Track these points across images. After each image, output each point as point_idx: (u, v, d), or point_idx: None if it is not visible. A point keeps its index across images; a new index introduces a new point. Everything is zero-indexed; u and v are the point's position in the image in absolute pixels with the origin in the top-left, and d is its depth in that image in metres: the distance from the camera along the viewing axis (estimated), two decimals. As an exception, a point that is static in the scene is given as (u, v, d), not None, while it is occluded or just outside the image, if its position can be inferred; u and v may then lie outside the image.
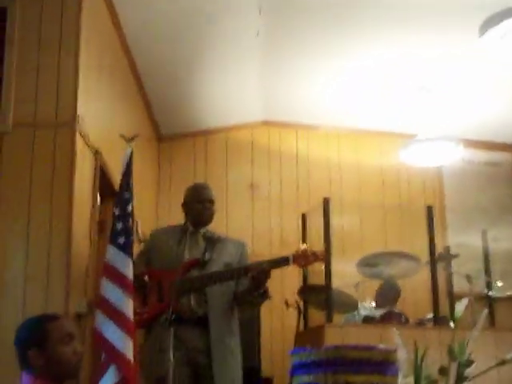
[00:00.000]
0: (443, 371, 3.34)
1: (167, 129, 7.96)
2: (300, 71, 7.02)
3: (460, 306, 3.57)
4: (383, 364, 2.45)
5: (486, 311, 3.75)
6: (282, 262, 4.29)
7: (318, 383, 2.39)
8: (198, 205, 4.55)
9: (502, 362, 3.45)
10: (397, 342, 3.50)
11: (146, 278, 4.38)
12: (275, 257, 4.38)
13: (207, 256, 4.39)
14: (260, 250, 5.15)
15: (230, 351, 4.33)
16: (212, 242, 4.49)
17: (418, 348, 3.48)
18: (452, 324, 3.64)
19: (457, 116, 7.78)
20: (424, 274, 6.17)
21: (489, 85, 7.13)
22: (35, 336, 2.81)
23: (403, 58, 6.64)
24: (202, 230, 4.56)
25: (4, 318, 4.03)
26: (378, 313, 6.23)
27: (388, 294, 6.61)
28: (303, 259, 4.26)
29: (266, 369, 6.55)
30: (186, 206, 4.64)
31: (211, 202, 4.60)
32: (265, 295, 4.36)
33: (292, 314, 6.78)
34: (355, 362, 2.39)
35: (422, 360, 3.40)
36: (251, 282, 4.29)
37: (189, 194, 4.66)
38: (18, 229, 4.20)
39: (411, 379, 3.42)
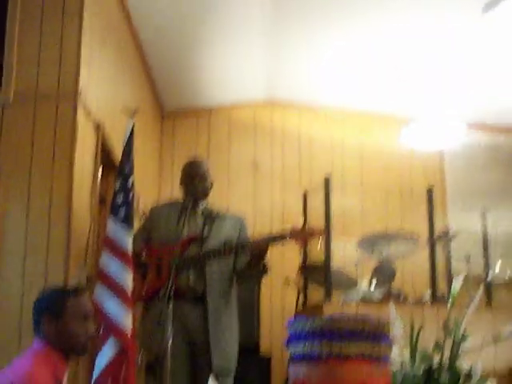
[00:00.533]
0: (438, 346, 3.38)
1: (170, 105, 7.95)
2: (304, 51, 7.00)
3: (456, 283, 3.60)
4: (377, 334, 2.47)
5: (481, 288, 3.77)
6: (279, 237, 4.30)
7: (313, 352, 2.41)
8: (190, 181, 4.56)
9: (498, 338, 3.48)
10: (393, 316, 3.53)
11: (144, 255, 4.38)
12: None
13: (206, 232, 4.40)
14: (261, 228, 5.16)
15: (227, 328, 4.33)
16: (211, 217, 4.49)
17: (414, 324, 3.51)
18: (448, 300, 3.67)
19: (459, 99, 7.77)
20: (423, 255, 6.18)
21: (491, 67, 7.11)
22: (53, 307, 2.85)
23: (408, 39, 6.62)
24: (201, 206, 4.55)
25: (4, 289, 4.05)
26: (377, 294, 6.24)
27: (384, 274, 6.63)
28: (300, 235, 4.27)
29: (264, 347, 6.57)
30: (181, 182, 4.66)
31: (203, 176, 4.58)
32: (264, 270, 4.37)
33: (292, 292, 6.82)
34: (349, 333, 2.41)
35: (417, 335, 3.44)
36: (250, 258, 4.31)
37: (182, 171, 4.67)
38: (19, 201, 4.20)
39: (407, 353, 3.46)
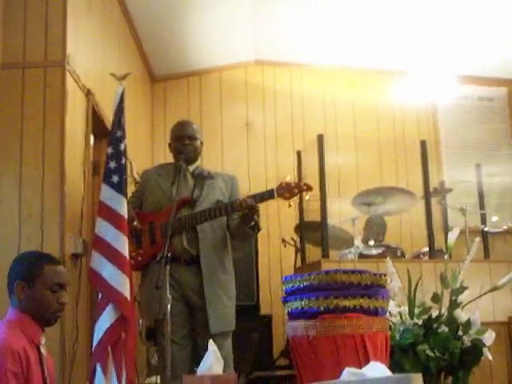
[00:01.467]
0: (436, 298, 3.39)
1: (160, 70, 7.90)
2: (292, 8, 6.94)
3: (452, 235, 3.61)
4: (373, 287, 2.47)
5: (478, 239, 3.78)
6: (266, 195, 4.29)
7: (310, 308, 2.42)
8: (177, 142, 4.53)
9: (494, 288, 3.49)
10: (390, 270, 3.54)
11: (136, 222, 4.36)
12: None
13: (196, 193, 4.39)
14: (256, 188, 5.14)
15: (223, 288, 4.34)
16: (201, 179, 4.48)
17: (412, 277, 3.53)
18: (446, 254, 3.68)
19: (451, 51, 7.72)
20: (419, 209, 6.20)
21: (484, 19, 7.06)
22: (27, 272, 2.85)
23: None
24: (192, 168, 4.54)
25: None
26: (375, 250, 6.26)
27: (375, 228, 6.66)
28: (287, 191, 4.25)
29: (264, 306, 6.62)
30: (170, 144, 4.64)
31: (190, 137, 4.53)
32: (255, 227, 4.36)
33: (289, 251, 6.85)
34: (346, 286, 2.42)
35: (415, 288, 3.45)
36: (240, 217, 4.31)
37: (170, 133, 4.65)
38: (11, 170, 4.17)
39: (405, 308, 3.47)
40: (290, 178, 4.34)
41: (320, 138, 5.95)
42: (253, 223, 4.29)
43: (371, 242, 6.51)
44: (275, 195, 4.26)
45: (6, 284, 2.90)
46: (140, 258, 4.35)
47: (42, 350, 2.86)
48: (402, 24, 7.13)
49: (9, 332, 2.71)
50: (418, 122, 8.25)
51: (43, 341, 2.88)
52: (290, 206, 4.45)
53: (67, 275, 3.01)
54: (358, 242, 6.39)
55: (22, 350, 2.67)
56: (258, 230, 4.42)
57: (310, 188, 4.34)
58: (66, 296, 2.93)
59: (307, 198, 5.49)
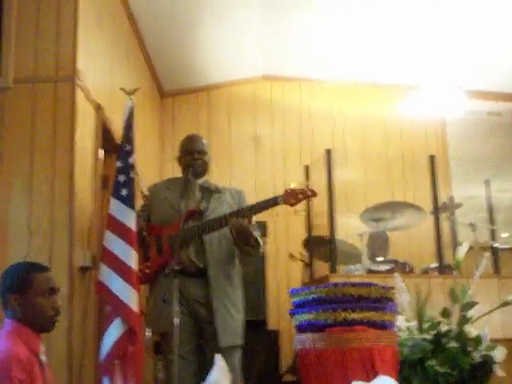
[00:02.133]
0: (446, 313, 3.38)
1: (169, 85, 7.94)
2: (299, 24, 6.98)
3: (461, 250, 3.61)
4: (382, 301, 2.47)
5: (487, 255, 3.78)
6: (271, 202, 4.29)
7: (317, 321, 2.42)
8: (187, 156, 4.52)
9: (505, 304, 3.48)
10: (399, 285, 3.54)
11: (145, 233, 4.37)
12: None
13: (202, 206, 4.39)
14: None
15: (231, 301, 4.29)
16: (209, 192, 4.47)
17: (421, 292, 3.52)
18: (455, 268, 3.67)
19: (460, 66, 7.72)
20: (428, 224, 6.18)
21: (494, 34, 7.06)
22: (18, 283, 2.88)
23: (407, 6, 6.57)
24: (200, 182, 4.55)
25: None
26: (383, 266, 6.24)
27: (378, 244, 6.64)
28: (292, 197, 4.22)
29: (271, 321, 6.61)
30: (179, 159, 4.64)
31: (200, 152, 4.53)
32: (257, 246, 4.31)
33: (297, 266, 6.84)
34: (354, 299, 2.41)
35: (424, 303, 3.45)
36: (235, 242, 4.29)
37: (180, 147, 4.65)
38: (21, 184, 4.20)
39: (414, 323, 3.46)
40: (296, 185, 4.31)
41: (328, 153, 5.96)
42: (250, 244, 4.26)
43: (379, 258, 6.49)
44: (279, 201, 4.25)
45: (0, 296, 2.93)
46: (148, 271, 4.34)
47: (42, 357, 2.88)
48: (410, 39, 7.14)
49: (11, 341, 2.74)
50: (426, 136, 8.24)
51: (42, 348, 2.90)
52: (295, 212, 4.42)
53: (55, 278, 3.03)
54: (365, 257, 6.37)
55: (26, 358, 2.71)
56: (259, 247, 4.38)
57: (314, 193, 4.30)
58: (59, 300, 2.95)
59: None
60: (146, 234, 4.35)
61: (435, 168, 6.00)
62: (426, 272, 6.29)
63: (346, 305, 2.42)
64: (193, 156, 4.50)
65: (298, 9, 6.63)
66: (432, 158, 6.06)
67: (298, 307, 2.55)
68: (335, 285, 2.49)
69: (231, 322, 4.24)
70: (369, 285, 2.49)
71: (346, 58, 7.66)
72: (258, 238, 4.32)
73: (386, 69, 7.85)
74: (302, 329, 2.52)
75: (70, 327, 4.03)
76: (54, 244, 4.10)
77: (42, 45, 4.44)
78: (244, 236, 4.21)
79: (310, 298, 2.48)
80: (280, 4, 6.57)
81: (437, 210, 5.98)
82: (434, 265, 6.12)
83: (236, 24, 6.85)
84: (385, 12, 6.67)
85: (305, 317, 2.48)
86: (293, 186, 4.30)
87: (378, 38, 7.16)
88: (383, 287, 2.53)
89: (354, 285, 2.47)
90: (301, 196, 4.25)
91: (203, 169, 4.54)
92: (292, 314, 2.61)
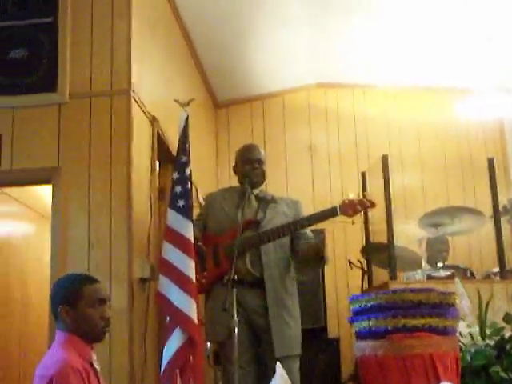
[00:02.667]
0: (508, 318, 3.31)
1: (223, 95, 7.99)
2: (352, 30, 6.93)
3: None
4: (442, 306, 2.43)
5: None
6: (329, 213, 4.27)
7: (377, 328, 2.39)
8: (246, 165, 4.53)
9: None
10: (460, 291, 3.48)
11: (201, 243, 4.39)
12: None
13: (259, 216, 4.39)
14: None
15: (288, 311, 4.29)
16: (265, 202, 4.47)
17: (482, 297, 3.46)
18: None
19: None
20: (488, 228, 6.07)
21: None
22: (69, 295, 2.92)
23: (456, 10, 6.49)
24: (256, 191, 4.54)
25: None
26: (444, 271, 6.15)
27: (437, 248, 6.55)
28: (350, 208, 4.21)
29: (332, 329, 6.57)
30: (236, 168, 4.64)
31: (259, 161, 4.55)
32: (322, 261, 4.29)
33: (356, 273, 6.78)
34: (414, 305, 2.38)
35: (486, 308, 3.38)
36: (308, 251, 4.29)
37: (237, 156, 4.66)
38: (79, 197, 4.27)
39: (476, 328, 3.40)
40: (354, 195, 4.29)
41: (384, 159, 5.89)
42: (320, 256, 4.25)
43: (439, 264, 6.40)
44: (338, 213, 4.23)
45: (51, 308, 2.99)
46: (204, 281, 4.35)
47: (96, 365, 2.93)
48: (464, 40, 7.05)
49: (66, 352, 2.79)
50: (484, 139, 8.11)
51: (95, 357, 2.95)
52: (353, 223, 4.39)
53: (106, 289, 3.08)
54: (424, 263, 6.29)
55: (82, 367, 2.76)
56: (324, 263, 4.35)
57: (373, 204, 4.29)
58: (109, 311, 2.99)
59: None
60: (202, 244, 4.37)
61: (494, 171, 5.89)
62: (487, 277, 6.17)
63: (405, 311, 2.39)
64: (252, 165, 4.51)
65: (349, 13, 6.60)
66: (491, 161, 5.95)
67: (358, 314, 2.53)
68: (394, 291, 2.46)
69: (288, 331, 4.23)
70: (428, 290, 2.45)
71: (399, 63, 7.59)
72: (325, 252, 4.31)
73: (440, 72, 7.75)
74: (361, 336, 2.49)
75: (131, 338, 4.07)
76: (113, 256, 4.16)
77: (97, 59, 4.52)
78: (317, 252, 4.22)
79: (370, 305, 2.46)
80: (331, 9, 6.55)
81: (497, 214, 5.86)
82: (496, 269, 6.01)
83: (287, 32, 6.85)
84: (438, 15, 6.59)
85: (364, 324, 2.45)
86: (351, 196, 4.27)
87: (431, 40, 7.08)
88: (443, 292, 2.48)
89: (412, 290, 2.44)
90: (359, 207, 4.23)
91: (261, 178, 4.56)
92: (351, 321, 2.58)
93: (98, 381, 2.90)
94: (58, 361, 2.71)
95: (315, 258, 4.29)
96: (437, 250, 6.50)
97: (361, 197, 4.32)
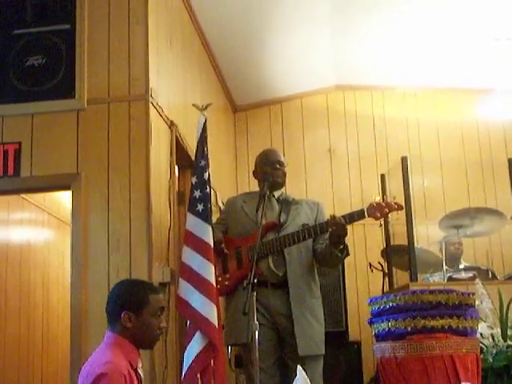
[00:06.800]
0: (530, 319, 3.29)
1: (242, 99, 8.00)
2: (370, 32, 6.93)
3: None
4: (462, 307, 2.42)
5: None
6: (356, 215, 4.24)
7: (397, 329, 2.38)
8: (267, 167, 4.52)
9: None
10: (480, 292, 3.46)
11: (223, 245, 4.39)
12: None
13: (282, 218, 4.39)
14: (341, 213, 5.08)
15: (311, 312, 4.26)
16: (287, 204, 4.47)
17: (504, 298, 3.43)
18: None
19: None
20: (510, 229, 6.04)
21: None
22: (135, 302, 2.95)
23: (477, 9, 6.46)
24: (277, 194, 4.54)
25: (90, 289, 4.15)
26: (465, 273, 6.12)
27: (451, 251, 6.52)
28: (378, 210, 4.19)
29: (353, 332, 6.55)
30: (257, 171, 4.64)
31: (280, 163, 4.55)
32: (344, 251, 4.28)
33: (377, 276, 6.76)
34: (433, 306, 2.37)
35: (507, 309, 3.36)
36: (330, 238, 4.23)
37: (257, 161, 4.66)
38: (99, 202, 4.29)
39: (497, 330, 3.38)
40: (379, 198, 4.27)
41: (404, 161, 5.87)
42: (341, 246, 4.22)
43: (461, 266, 6.37)
44: (366, 215, 4.22)
45: (108, 309, 3.00)
46: (227, 283, 4.36)
47: (140, 372, 2.96)
48: (484, 40, 7.01)
49: (113, 354, 2.81)
50: (504, 139, 8.04)
51: (140, 363, 2.97)
52: (380, 225, 4.36)
53: (164, 298, 3.11)
54: (446, 263, 6.26)
55: (127, 372, 2.78)
56: (347, 254, 4.33)
57: (400, 207, 4.28)
58: (165, 320, 3.02)
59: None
60: (225, 247, 4.37)
61: (515, 171, 5.85)
62: (509, 278, 6.13)
63: (425, 312, 2.38)
64: (274, 166, 4.52)
65: (367, 15, 6.59)
66: (511, 162, 5.91)
67: (377, 316, 2.52)
68: (413, 292, 2.45)
69: (311, 331, 4.20)
70: (447, 291, 2.44)
71: (418, 64, 7.57)
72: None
73: (460, 73, 7.72)
74: (381, 337, 2.49)
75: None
76: (133, 260, 4.17)
77: (115, 65, 4.53)
78: (340, 235, 4.17)
79: (389, 306, 2.45)
80: (349, 12, 6.54)
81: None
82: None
83: (305, 35, 6.85)
84: (458, 15, 6.57)
85: (384, 325, 2.44)
86: (378, 199, 4.26)
87: (451, 41, 7.05)
88: (462, 293, 2.47)
89: (432, 292, 2.43)
90: (387, 210, 4.22)
91: (283, 180, 4.55)
92: (371, 322, 2.58)
93: None
94: (106, 362, 2.74)
95: (336, 252, 4.24)
96: (452, 245, 6.48)
97: (386, 199, 4.29)
